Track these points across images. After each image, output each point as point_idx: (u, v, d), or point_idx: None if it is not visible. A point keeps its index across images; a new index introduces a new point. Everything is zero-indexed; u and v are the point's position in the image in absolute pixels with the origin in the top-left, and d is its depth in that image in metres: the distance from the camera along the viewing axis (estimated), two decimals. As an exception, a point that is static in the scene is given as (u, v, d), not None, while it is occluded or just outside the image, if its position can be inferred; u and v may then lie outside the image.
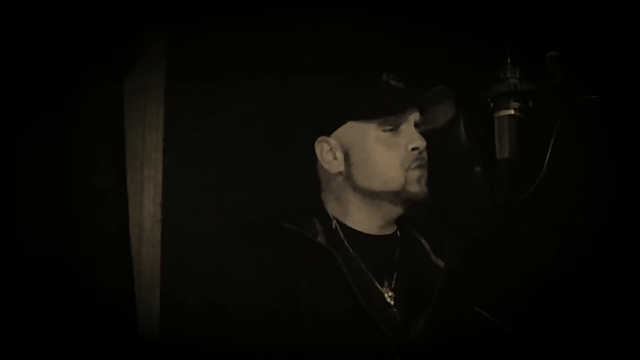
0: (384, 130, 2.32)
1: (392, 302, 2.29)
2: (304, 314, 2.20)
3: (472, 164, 2.61)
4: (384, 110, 2.32)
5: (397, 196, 2.31)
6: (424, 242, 2.42)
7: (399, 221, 2.40)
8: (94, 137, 2.60)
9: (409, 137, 2.32)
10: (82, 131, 2.59)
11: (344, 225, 2.35)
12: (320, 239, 2.28)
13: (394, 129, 2.32)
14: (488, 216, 2.82)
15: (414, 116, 2.35)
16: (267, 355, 2.17)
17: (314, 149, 2.39)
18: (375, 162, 2.32)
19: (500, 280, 2.69)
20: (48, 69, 2.48)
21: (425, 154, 2.33)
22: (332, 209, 2.38)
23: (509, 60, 2.60)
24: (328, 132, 2.38)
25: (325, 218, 2.35)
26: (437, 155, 2.46)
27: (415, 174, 2.30)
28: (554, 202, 2.78)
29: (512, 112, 2.57)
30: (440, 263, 2.38)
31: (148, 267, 2.81)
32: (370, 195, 2.33)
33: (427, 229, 2.46)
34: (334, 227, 2.34)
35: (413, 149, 2.31)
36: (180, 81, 2.85)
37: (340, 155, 2.35)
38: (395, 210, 2.34)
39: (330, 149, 2.36)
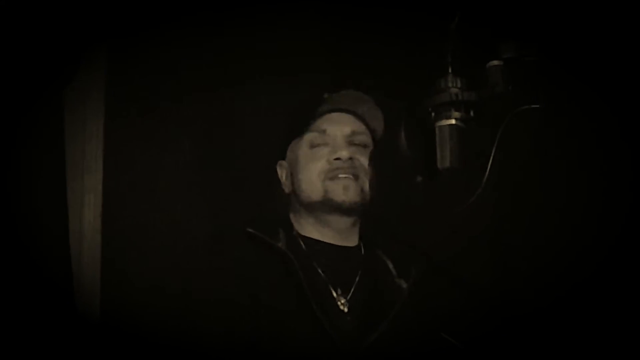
0: (313, 146, 2.49)
1: (345, 310, 2.40)
2: (261, 309, 2.29)
3: (414, 174, 2.61)
4: (313, 119, 2.50)
5: (324, 205, 2.46)
6: (389, 263, 2.55)
7: (362, 237, 2.55)
8: (33, 147, 2.58)
9: (333, 148, 2.48)
10: (22, 141, 2.56)
11: (302, 235, 2.50)
12: (281, 244, 2.41)
13: (322, 143, 2.49)
14: (430, 226, 2.82)
15: (344, 129, 2.51)
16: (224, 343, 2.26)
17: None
18: (301, 175, 2.49)
19: (441, 289, 2.70)
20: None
21: (354, 163, 2.47)
22: (293, 220, 2.54)
23: (450, 70, 2.59)
24: (283, 156, 2.58)
25: (289, 228, 2.50)
26: (378, 165, 2.47)
27: (338, 183, 2.45)
28: (495, 212, 2.79)
29: (453, 121, 2.56)
30: (403, 284, 2.50)
31: (89, 277, 2.80)
32: (307, 207, 2.50)
33: (393, 251, 2.58)
34: (294, 233, 2.49)
35: (335, 159, 2.46)
36: (121, 91, 2.85)
37: (289, 175, 2.55)
38: (338, 220, 2.48)
39: (285, 172, 2.57)
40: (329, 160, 2.46)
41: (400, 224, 2.79)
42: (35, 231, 2.57)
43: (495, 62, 2.60)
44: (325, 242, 2.49)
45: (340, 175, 2.45)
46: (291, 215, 2.55)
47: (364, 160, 2.50)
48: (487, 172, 2.53)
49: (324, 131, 2.50)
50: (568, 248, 2.82)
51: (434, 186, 2.56)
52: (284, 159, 2.58)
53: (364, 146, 2.52)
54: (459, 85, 2.60)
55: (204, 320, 2.29)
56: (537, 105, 2.58)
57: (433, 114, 2.61)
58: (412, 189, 2.63)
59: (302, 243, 2.47)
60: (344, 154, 2.46)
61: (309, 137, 2.50)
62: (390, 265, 2.54)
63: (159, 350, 2.29)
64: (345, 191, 2.43)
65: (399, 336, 2.41)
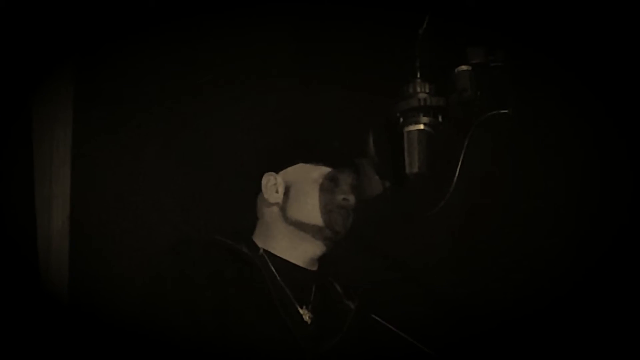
0: (325, 178, 2.62)
1: (309, 322, 2.55)
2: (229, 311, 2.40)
3: (382, 179, 2.62)
4: (332, 161, 2.64)
5: (320, 232, 2.60)
6: (338, 288, 2.70)
7: (320, 266, 2.67)
8: (1, 154, 2.58)
9: (343, 188, 2.64)
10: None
11: (270, 252, 2.60)
12: (248, 252, 2.53)
13: (333, 179, 2.63)
14: (398, 232, 2.83)
15: (352, 178, 2.66)
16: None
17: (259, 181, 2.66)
18: (307, 199, 2.60)
19: (409, 295, 2.71)
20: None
21: (352, 207, 2.64)
22: (261, 240, 2.63)
23: (418, 75, 2.60)
24: (277, 169, 2.65)
25: (254, 247, 2.60)
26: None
27: (339, 217, 2.61)
28: (464, 217, 2.79)
29: (421, 126, 2.56)
30: (351, 304, 2.67)
31: (56, 281, 2.79)
32: (298, 227, 2.60)
33: (342, 275, 2.72)
34: (260, 254, 2.59)
35: (343, 199, 2.62)
36: (89, 99, 2.86)
37: (281, 190, 2.63)
38: (316, 248, 2.63)
39: (275, 184, 2.64)
40: (338, 198, 2.62)
41: (367, 230, 2.80)
42: (3, 236, 2.57)
43: (464, 67, 2.60)
44: (289, 262, 2.60)
45: (339, 213, 2.61)
46: (258, 232, 2.65)
47: None
48: (455, 178, 2.53)
49: (340, 171, 2.65)
50: (541, 255, 2.83)
51: (402, 191, 2.57)
52: (275, 171, 2.65)
53: None
54: (427, 90, 2.60)
55: (171, 324, 2.36)
56: (506, 111, 2.59)
57: (401, 119, 2.62)
58: (380, 194, 2.64)
59: (268, 260, 2.58)
60: (352, 198, 2.64)
61: (326, 170, 2.64)
62: (339, 289, 2.69)
63: (124, 349, 2.31)
64: (343, 225, 2.61)
65: (355, 349, 2.58)
